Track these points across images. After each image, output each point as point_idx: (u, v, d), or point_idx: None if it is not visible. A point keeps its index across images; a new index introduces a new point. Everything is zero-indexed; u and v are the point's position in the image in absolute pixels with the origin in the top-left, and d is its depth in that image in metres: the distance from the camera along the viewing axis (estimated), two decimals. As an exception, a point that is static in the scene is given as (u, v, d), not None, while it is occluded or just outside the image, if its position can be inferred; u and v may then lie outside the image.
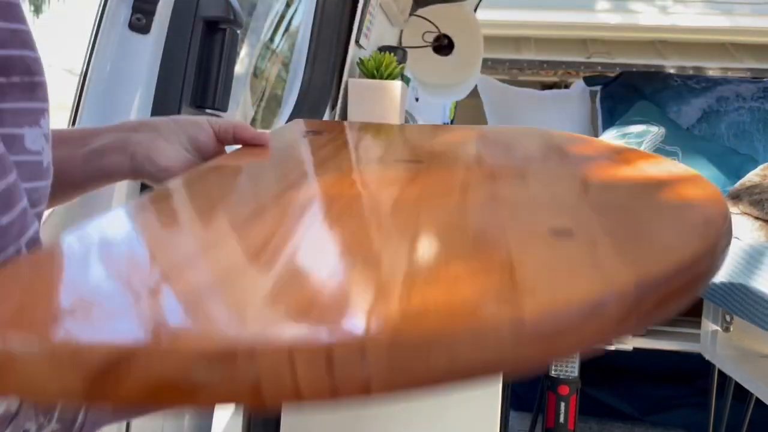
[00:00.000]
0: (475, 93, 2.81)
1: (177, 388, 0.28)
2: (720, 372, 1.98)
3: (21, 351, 0.29)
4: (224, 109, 1.33)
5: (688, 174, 0.65)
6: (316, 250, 0.42)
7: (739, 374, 1.76)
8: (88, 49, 1.28)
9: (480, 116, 3.07)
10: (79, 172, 0.73)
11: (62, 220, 0.98)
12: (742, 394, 2.08)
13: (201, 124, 0.75)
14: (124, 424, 1.29)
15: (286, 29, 3.02)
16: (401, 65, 1.68)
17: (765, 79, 2.88)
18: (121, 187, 1.26)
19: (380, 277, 0.36)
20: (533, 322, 0.31)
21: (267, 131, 0.78)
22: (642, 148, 2.35)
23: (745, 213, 1.70)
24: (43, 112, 0.54)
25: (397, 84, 1.60)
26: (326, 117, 1.46)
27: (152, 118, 0.77)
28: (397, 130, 1.05)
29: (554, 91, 3.53)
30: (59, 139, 0.72)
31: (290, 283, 0.35)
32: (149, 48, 1.27)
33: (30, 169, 0.52)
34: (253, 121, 3.09)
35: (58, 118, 1.27)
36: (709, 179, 2.35)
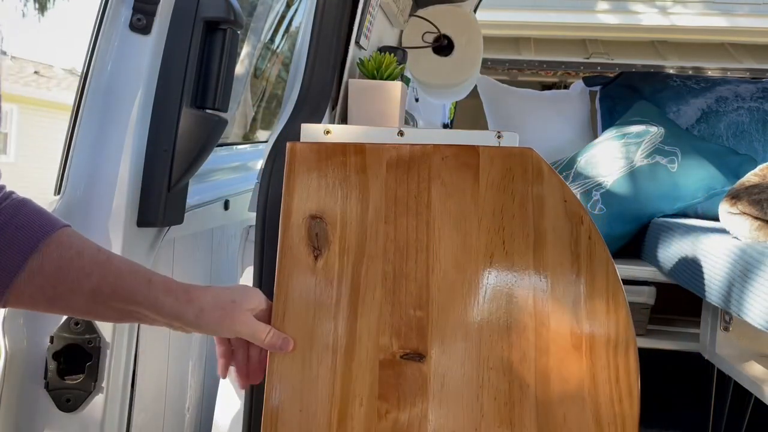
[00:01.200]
0: (475, 93, 2.81)
1: None
2: (719, 372, 1.98)
3: None
4: (224, 109, 1.33)
5: None
6: None
7: (738, 374, 1.76)
8: (88, 50, 1.28)
9: (480, 116, 3.07)
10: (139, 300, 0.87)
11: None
12: (741, 394, 2.08)
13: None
14: (124, 424, 1.30)
15: (287, 30, 3.02)
16: (401, 66, 1.68)
17: (764, 80, 2.89)
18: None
19: None
20: None
21: (290, 341, 0.95)
22: (641, 149, 2.35)
23: (745, 213, 1.70)
24: None
25: (397, 84, 1.60)
26: (326, 117, 1.46)
27: (205, 305, 0.91)
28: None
29: (554, 91, 3.53)
30: (128, 269, 0.87)
31: None
32: (149, 48, 1.27)
33: None
34: (254, 121, 3.09)
35: (59, 118, 1.27)
36: (707, 179, 2.33)
